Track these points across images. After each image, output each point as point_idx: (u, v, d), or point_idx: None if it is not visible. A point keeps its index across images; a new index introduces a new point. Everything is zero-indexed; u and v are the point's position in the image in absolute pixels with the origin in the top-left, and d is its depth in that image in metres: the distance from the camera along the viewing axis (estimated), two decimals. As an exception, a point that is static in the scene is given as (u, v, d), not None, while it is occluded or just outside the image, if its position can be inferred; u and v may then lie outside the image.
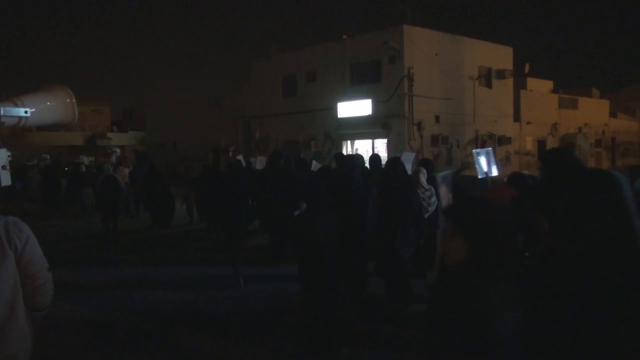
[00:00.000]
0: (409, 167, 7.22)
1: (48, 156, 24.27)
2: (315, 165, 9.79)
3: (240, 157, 11.20)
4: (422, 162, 7.21)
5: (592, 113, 32.17)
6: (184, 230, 11.41)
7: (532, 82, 28.89)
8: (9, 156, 4.82)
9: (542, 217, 3.24)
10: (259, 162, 11.03)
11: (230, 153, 27.08)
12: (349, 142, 23.20)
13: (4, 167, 4.89)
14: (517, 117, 26.05)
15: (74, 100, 6.36)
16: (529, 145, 26.95)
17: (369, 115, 21.02)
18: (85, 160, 17.69)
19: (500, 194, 4.54)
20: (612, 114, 35.23)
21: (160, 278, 7.26)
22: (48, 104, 5.93)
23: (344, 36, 22.14)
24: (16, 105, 5.49)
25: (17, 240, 2.11)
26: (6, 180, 4.77)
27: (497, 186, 6.55)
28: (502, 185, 5.42)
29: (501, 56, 24.37)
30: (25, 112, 5.38)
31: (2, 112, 5.17)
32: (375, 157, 7.68)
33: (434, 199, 6.36)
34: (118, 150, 13.49)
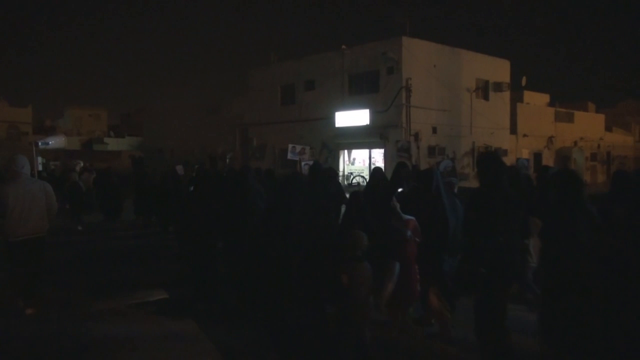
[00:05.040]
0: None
1: (44, 160, 24.34)
2: None
3: (179, 167, 11.90)
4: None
5: (588, 127, 32.39)
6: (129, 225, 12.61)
7: (528, 95, 29.09)
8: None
9: None
10: (179, 169, 11.69)
11: (227, 160, 27.07)
12: (345, 151, 23.25)
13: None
14: (513, 130, 26.19)
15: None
16: (525, 157, 27.05)
17: (367, 125, 21.10)
18: (51, 165, 20.31)
19: None
20: (608, 128, 35.50)
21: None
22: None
23: (343, 46, 22.26)
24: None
25: (47, 189, 5.58)
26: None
27: None
28: None
29: (498, 69, 24.54)
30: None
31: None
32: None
33: None
34: (81, 162, 16.11)
